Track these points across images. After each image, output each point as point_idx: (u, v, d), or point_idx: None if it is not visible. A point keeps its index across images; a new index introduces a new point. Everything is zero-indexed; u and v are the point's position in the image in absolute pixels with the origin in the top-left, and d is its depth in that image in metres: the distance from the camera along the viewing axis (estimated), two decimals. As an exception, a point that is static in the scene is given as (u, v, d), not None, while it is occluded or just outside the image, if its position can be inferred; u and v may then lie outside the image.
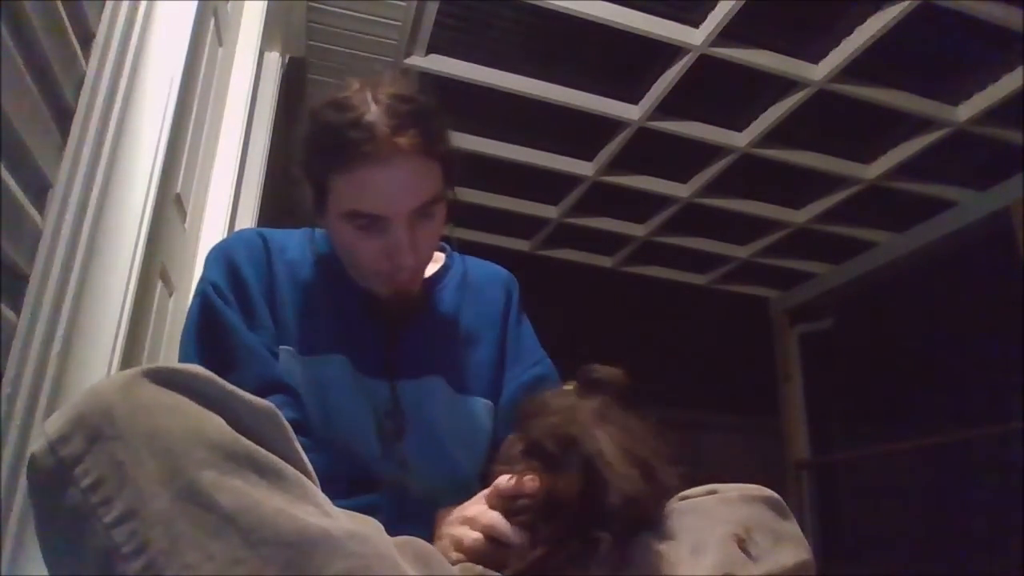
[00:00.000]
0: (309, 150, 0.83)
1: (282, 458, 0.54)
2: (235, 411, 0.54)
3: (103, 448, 0.50)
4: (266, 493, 0.51)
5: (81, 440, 0.50)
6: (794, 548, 0.65)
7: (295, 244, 0.95)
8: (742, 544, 0.62)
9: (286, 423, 0.58)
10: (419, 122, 0.80)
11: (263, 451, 0.53)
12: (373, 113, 0.78)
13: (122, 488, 0.49)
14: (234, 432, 0.53)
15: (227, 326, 0.83)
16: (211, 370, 0.80)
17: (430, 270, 0.97)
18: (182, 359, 0.83)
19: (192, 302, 0.87)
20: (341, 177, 0.80)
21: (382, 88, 0.81)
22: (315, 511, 0.52)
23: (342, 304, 0.91)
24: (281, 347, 0.86)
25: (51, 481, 0.51)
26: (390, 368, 0.90)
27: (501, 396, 0.96)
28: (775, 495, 0.70)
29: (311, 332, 0.88)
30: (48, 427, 0.52)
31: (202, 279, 0.88)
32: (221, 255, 0.89)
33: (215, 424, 0.52)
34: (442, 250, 1.02)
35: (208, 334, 0.84)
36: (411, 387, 0.90)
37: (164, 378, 0.53)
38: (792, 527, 0.68)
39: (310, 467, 0.58)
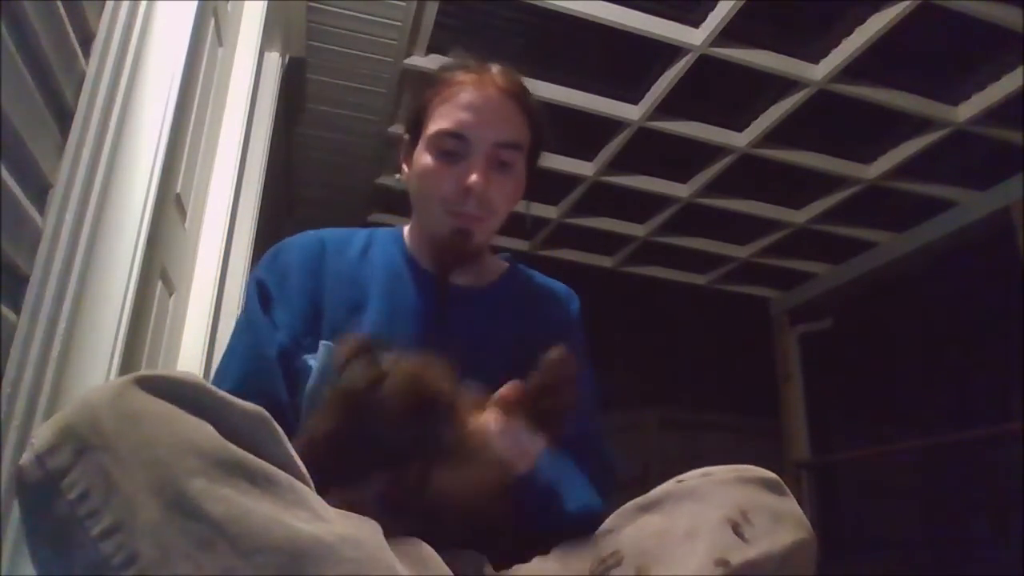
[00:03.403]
0: (420, 92, 0.94)
1: (275, 463, 0.54)
2: (226, 418, 0.54)
3: (91, 459, 0.50)
4: (257, 500, 0.51)
5: (69, 451, 0.50)
6: (793, 527, 0.64)
7: (357, 242, 0.97)
8: (736, 528, 0.62)
9: (277, 427, 0.57)
10: (521, 84, 0.94)
11: (254, 458, 0.53)
12: (486, 65, 0.93)
13: (110, 499, 0.49)
14: (224, 440, 0.53)
15: (250, 314, 0.88)
16: (235, 352, 0.86)
17: (494, 274, 0.99)
18: (227, 346, 0.89)
19: None
20: (440, 99, 0.90)
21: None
22: (308, 516, 0.52)
23: (397, 293, 0.92)
24: (323, 342, 0.87)
25: (39, 493, 0.51)
26: None
27: None
28: (771, 474, 0.69)
29: (357, 328, 0.89)
30: (36, 438, 0.52)
31: (251, 277, 0.93)
32: (275, 254, 0.94)
33: (205, 432, 0.52)
34: (507, 260, 1.04)
35: (240, 327, 0.89)
36: None
37: (155, 386, 0.53)
38: (790, 505, 0.67)
39: (304, 469, 0.58)
